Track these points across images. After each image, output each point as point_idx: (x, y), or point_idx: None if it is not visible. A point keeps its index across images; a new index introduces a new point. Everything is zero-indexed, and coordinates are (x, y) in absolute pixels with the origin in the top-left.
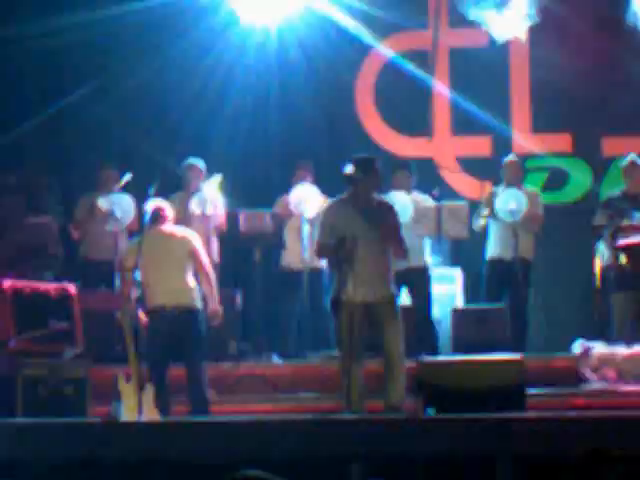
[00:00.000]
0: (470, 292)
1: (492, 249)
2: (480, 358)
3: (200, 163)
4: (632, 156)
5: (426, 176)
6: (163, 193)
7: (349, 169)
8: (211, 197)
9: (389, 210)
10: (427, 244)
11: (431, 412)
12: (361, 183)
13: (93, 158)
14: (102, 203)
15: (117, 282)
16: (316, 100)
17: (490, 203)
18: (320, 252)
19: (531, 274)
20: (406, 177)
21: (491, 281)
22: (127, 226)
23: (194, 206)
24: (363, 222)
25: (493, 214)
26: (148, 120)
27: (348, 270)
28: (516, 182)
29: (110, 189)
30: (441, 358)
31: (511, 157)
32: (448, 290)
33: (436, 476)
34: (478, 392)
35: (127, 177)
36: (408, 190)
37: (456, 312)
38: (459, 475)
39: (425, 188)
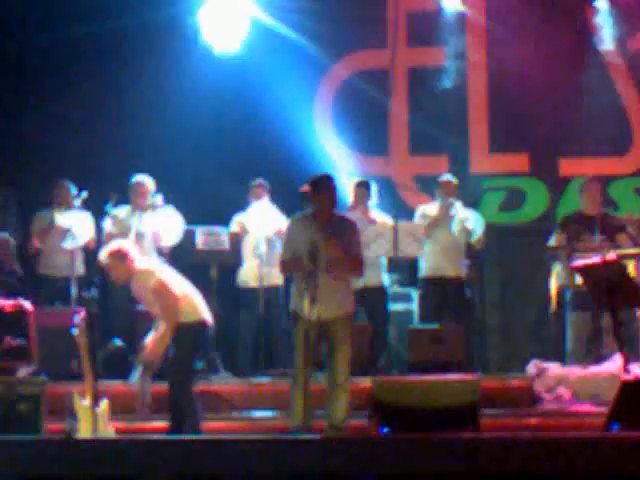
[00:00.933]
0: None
1: (431, 266)
2: (435, 378)
3: (147, 180)
4: (588, 177)
5: (385, 195)
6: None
7: (305, 187)
8: (158, 216)
9: (350, 226)
10: (384, 263)
11: (385, 431)
12: (318, 201)
13: (47, 173)
14: (60, 220)
15: (73, 298)
16: (275, 118)
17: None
18: (283, 268)
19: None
20: (363, 195)
21: (431, 300)
22: (85, 243)
23: (143, 224)
24: (322, 238)
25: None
26: (105, 136)
27: (305, 286)
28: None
29: (68, 205)
30: (396, 377)
31: (446, 177)
32: (404, 309)
33: None
34: (432, 412)
35: (83, 195)
36: (365, 208)
37: (412, 331)
38: None
39: (383, 207)
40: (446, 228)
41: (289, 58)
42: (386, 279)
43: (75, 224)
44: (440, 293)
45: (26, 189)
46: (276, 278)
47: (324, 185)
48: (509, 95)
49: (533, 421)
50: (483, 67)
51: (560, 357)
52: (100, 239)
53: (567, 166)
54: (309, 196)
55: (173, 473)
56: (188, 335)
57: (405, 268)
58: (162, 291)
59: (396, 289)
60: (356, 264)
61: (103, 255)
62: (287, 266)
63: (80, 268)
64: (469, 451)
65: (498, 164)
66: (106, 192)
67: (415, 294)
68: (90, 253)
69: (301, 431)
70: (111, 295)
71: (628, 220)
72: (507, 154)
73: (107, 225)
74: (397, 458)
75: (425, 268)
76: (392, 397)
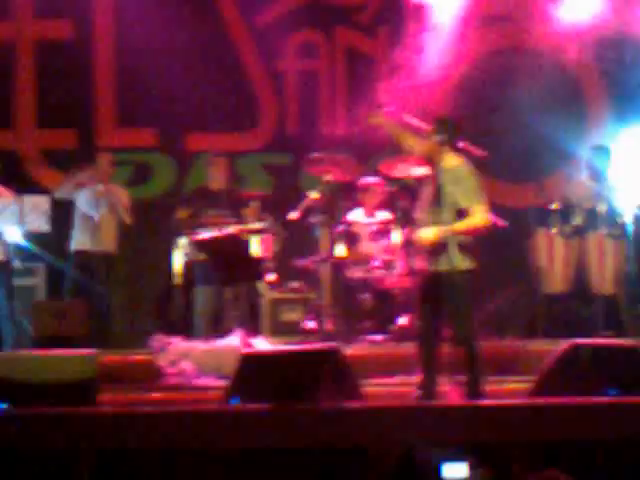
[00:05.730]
0: (52, 286)
1: (76, 240)
2: (52, 352)
3: None
4: (214, 152)
5: (10, 169)
6: None
7: None
8: None
9: None
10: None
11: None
12: None
13: None
14: None
15: None
16: None
17: None
18: None
19: (114, 268)
20: None
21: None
22: None
23: None
24: None
25: None
26: None
27: None
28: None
29: None
30: (13, 352)
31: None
32: (30, 283)
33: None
34: (48, 386)
35: None
36: None
37: (36, 306)
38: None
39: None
40: (100, 204)
41: None
42: (9, 253)
43: None
44: (84, 268)
45: None
46: None
47: None
48: (137, 70)
49: (156, 395)
50: (111, 40)
51: (186, 332)
52: None
53: (194, 141)
54: None
55: None
56: None
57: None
58: None
59: (18, 265)
60: None
61: None
62: None
63: None
64: (84, 426)
65: (126, 138)
66: None
67: (40, 269)
68: None
69: None
70: None
71: None
72: (135, 128)
73: None
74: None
75: (73, 242)
76: (7, 372)
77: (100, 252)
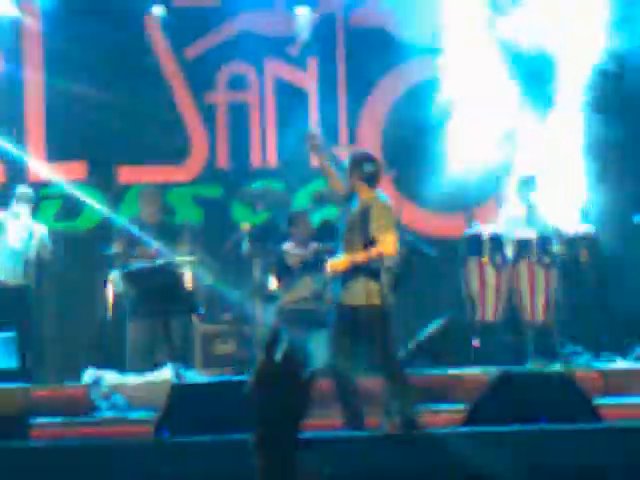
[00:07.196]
0: None
1: None
2: None
3: None
4: (147, 185)
5: None
6: None
7: None
8: None
9: None
10: None
11: None
12: None
13: None
14: None
15: None
16: None
17: None
18: None
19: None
20: None
21: None
22: None
23: None
24: None
25: None
26: None
27: None
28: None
29: None
30: None
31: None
32: None
33: None
34: None
35: None
36: None
37: None
38: None
39: None
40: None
41: None
42: None
43: None
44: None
45: None
46: None
47: None
48: (66, 103)
49: (89, 429)
50: (40, 72)
51: (118, 365)
52: None
53: (126, 173)
54: None
55: None
56: None
57: None
58: None
59: None
60: None
61: None
62: None
63: None
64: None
65: (56, 172)
66: None
67: None
68: None
69: None
70: None
71: None
72: (65, 162)
73: None
74: None
75: None
76: None
77: (18, 285)
